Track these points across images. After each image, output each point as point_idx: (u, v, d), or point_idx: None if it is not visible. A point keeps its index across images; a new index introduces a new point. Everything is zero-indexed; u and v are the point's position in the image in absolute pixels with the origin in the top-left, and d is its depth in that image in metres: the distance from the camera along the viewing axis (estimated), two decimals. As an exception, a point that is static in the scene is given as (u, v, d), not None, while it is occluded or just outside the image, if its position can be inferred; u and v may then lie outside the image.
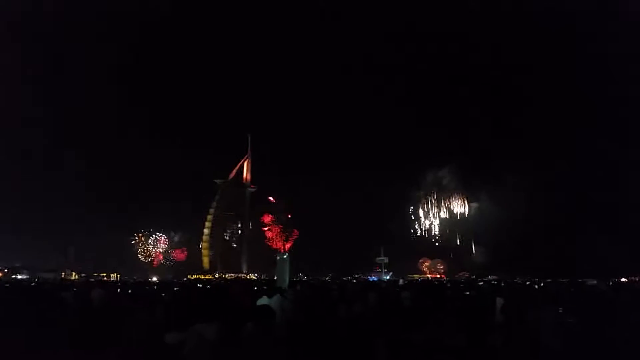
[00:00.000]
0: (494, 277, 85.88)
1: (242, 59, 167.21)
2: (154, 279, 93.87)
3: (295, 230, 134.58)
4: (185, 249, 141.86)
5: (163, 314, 7.54)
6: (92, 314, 8.20)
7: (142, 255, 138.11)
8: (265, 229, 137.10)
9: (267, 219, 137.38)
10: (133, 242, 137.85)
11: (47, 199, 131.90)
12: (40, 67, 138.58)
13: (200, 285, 31.12)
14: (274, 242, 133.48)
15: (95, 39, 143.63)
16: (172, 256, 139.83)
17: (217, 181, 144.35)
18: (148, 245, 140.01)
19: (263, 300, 10.73)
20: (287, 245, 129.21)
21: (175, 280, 76.70)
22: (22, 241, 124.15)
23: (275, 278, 28.18)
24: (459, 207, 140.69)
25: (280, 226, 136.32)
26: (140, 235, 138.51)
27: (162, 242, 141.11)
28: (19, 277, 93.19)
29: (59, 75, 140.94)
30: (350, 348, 7.40)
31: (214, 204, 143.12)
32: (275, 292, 12.70)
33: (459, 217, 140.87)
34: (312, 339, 7.11)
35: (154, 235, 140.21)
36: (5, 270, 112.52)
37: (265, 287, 19.40)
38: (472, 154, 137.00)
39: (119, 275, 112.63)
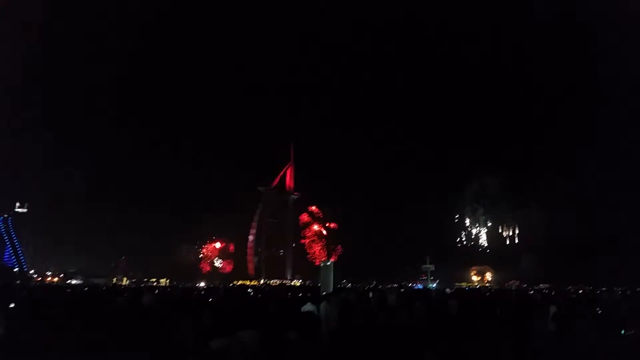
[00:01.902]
0: (546, 285, 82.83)
1: (283, 65, 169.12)
2: (202, 284, 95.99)
3: (339, 246, 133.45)
4: (231, 260, 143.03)
5: (209, 319, 7.66)
6: (143, 318, 8.45)
7: (190, 262, 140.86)
8: (307, 240, 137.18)
9: (309, 232, 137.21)
10: (182, 250, 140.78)
11: (100, 207, 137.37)
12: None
13: (251, 291, 31.63)
14: (318, 259, 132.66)
15: (133, 45, 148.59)
16: (219, 270, 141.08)
17: (261, 189, 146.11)
18: (197, 253, 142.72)
19: (308, 307, 10.73)
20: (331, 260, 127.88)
21: (221, 286, 78.09)
22: (76, 247, 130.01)
23: (320, 285, 28.20)
24: (506, 214, 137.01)
25: (324, 241, 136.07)
26: (189, 244, 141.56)
27: (209, 251, 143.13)
28: (73, 282, 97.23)
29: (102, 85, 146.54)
30: (396, 358, 7.26)
31: (258, 211, 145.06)
32: (321, 299, 12.68)
33: (506, 225, 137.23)
34: (355, 349, 7.03)
35: (200, 242, 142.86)
36: (61, 275, 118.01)
37: (309, 294, 19.41)
38: (519, 160, 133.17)
39: (168, 281, 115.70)
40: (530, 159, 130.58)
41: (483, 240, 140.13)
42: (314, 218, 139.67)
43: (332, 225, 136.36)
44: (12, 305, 10.59)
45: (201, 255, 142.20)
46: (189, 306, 12.53)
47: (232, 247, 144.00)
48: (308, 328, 6.19)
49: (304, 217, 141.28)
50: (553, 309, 11.47)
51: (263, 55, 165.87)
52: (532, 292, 42.74)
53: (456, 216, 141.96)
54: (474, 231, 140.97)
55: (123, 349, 5.66)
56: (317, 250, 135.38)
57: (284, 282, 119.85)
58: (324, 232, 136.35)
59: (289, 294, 24.04)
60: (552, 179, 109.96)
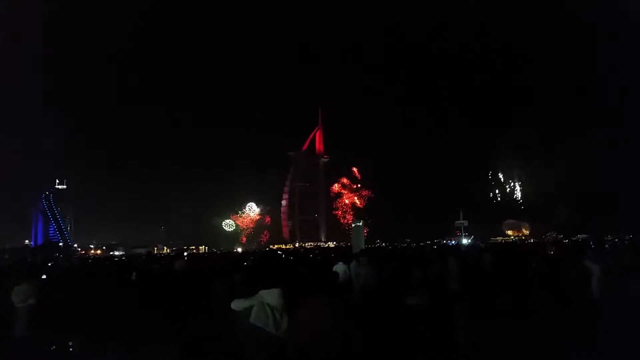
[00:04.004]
0: (584, 235, 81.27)
1: (311, 32, 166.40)
2: (238, 249, 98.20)
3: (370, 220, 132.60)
4: (267, 232, 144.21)
5: (237, 282, 7.71)
6: (174, 281, 8.62)
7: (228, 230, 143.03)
8: (339, 212, 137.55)
9: (341, 203, 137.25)
10: (219, 218, 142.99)
11: (142, 180, 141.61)
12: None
13: (281, 253, 32.22)
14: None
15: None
16: (259, 240, 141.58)
17: (291, 153, 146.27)
18: (234, 221, 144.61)
19: (339, 267, 10.67)
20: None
21: (256, 250, 79.77)
22: (117, 221, 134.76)
23: (351, 245, 28.29)
24: (540, 166, 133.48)
25: (353, 212, 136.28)
26: (226, 211, 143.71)
27: (245, 223, 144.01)
28: (116, 253, 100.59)
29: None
30: (427, 312, 7.16)
31: (290, 175, 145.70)
32: (351, 258, 12.61)
33: (541, 178, 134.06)
34: (384, 304, 6.97)
35: (237, 209, 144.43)
36: (104, 247, 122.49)
37: (337, 255, 19.46)
38: (550, 111, 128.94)
39: (206, 248, 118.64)
40: (564, 110, 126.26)
41: (517, 194, 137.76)
42: (345, 187, 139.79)
43: (365, 192, 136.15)
44: (44, 277, 10.93)
45: (240, 227, 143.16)
46: (222, 270, 12.68)
47: (267, 219, 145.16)
48: (335, 287, 6.13)
49: (335, 188, 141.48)
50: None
51: (291, 21, 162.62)
52: (567, 242, 42.03)
53: (489, 172, 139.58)
54: (507, 185, 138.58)
55: (149, 314, 5.74)
56: (349, 219, 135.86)
57: (318, 244, 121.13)
58: (357, 201, 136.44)
59: (317, 253, 24.51)
60: (588, 129, 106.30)
